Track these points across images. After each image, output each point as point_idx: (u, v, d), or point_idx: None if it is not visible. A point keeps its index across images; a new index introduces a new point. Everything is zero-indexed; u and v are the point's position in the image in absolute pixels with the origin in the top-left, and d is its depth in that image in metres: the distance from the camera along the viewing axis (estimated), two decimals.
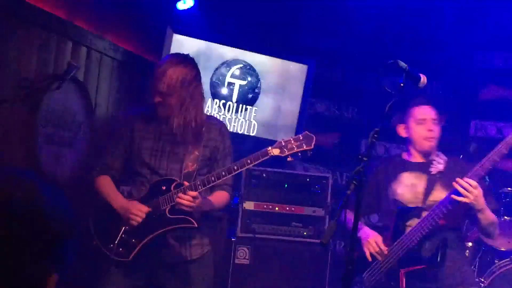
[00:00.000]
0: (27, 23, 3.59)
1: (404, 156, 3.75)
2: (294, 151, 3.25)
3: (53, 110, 3.80)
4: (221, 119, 4.17)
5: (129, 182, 3.48)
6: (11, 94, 3.46)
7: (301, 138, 3.26)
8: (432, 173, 3.63)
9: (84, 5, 4.16)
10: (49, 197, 1.27)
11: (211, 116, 3.71)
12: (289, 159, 3.28)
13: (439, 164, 3.64)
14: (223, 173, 3.26)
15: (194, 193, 3.22)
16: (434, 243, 3.45)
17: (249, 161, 3.25)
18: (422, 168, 3.66)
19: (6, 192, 1.22)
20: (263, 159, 3.25)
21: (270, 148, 3.25)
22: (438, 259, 3.41)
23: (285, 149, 3.24)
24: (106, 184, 3.42)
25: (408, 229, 3.52)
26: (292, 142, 3.25)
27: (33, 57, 3.66)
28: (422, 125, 3.61)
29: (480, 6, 5.09)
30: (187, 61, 3.43)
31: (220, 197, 3.46)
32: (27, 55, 3.62)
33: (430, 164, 3.66)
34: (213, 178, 3.26)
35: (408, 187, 3.64)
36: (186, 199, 3.21)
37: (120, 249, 3.29)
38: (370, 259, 3.55)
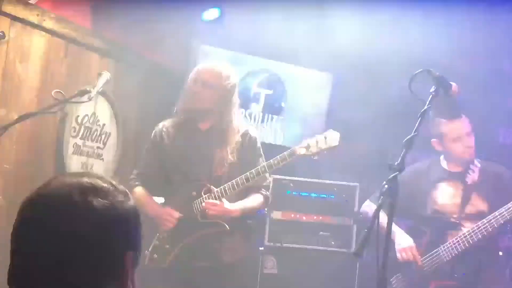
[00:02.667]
0: (56, 34, 3.62)
1: (442, 163, 3.71)
2: (321, 149, 3.23)
3: (82, 120, 3.84)
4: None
5: (164, 191, 3.51)
6: (42, 105, 3.49)
7: (326, 136, 3.24)
8: (468, 183, 3.60)
9: (111, 15, 4.18)
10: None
11: (240, 120, 3.73)
12: (315, 157, 3.26)
13: (473, 173, 3.61)
14: (251, 175, 3.26)
15: (212, 202, 3.23)
16: (469, 261, 3.42)
17: (276, 162, 3.24)
18: (459, 177, 3.64)
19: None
20: (290, 159, 3.24)
21: (296, 147, 3.24)
22: (471, 279, 3.37)
23: (311, 148, 3.23)
24: (141, 194, 3.47)
25: (444, 240, 3.48)
26: (318, 140, 3.23)
27: (63, 68, 3.70)
28: (458, 142, 3.57)
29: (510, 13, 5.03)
30: (231, 69, 3.58)
31: (253, 200, 3.46)
32: (58, 67, 3.65)
33: (466, 173, 3.63)
34: (241, 181, 3.26)
35: (448, 198, 3.61)
36: (212, 204, 3.22)
37: (155, 255, 3.31)
38: (405, 264, 3.52)
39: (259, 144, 3.57)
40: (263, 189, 3.48)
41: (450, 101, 3.24)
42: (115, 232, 1.32)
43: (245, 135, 3.51)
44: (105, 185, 1.35)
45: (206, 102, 3.38)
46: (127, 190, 1.39)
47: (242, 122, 3.73)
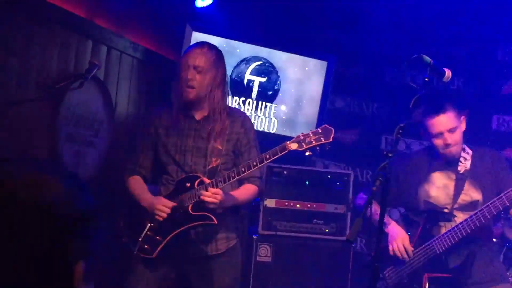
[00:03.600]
0: (48, 22, 3.60)
1: (433, 152, 3.68)
2: (313, 145, 3.21)
3: (74, 109, 3.81)
4: None
5: (157, 181, 3.51)
6: (33, 93, 3.47)
7: (319, 132, 3.22)
8: (461, 172, 3.59)
9: (104, 4, 4.16)
10: (65, 185, 1.28)
11: (234, 108, 3.70)
12: (307, 153, 3.24)
13: (465, 160, 3.59)
14: (243, 169, 3.25)
15: (214, 190, 3.23)
16: (462, 253, 3.42)
17: (268, 156, 3.23)
18: (451, 166, 3.62)
19: (12, 187, 1.24)
20: (281, 153, 3.22)
21: (288, 142, 3.23)
22: (465, 271, 3.37)
23: (303, 143, 3.21)
24: (136, 184, 3.47)
25: (437, 232, 3.48)
26: (311, 136, 3.22)
27: (54, 56, 3.68)
28: (439, 138, 3.52)
29: None
30: (217, 49, 3.53)
31: (247, 190, 3.46)
32: (48, 54, 3.63)
33: (458, 161, 3.61)
34: (233, 175, 3.26)
35: (440, 189, 3.59)
36: (208, 195, 3.21)
37: (145, 245, 3.32)
38: (397, 256, 3.51)
39: (254, 134, 3.56)
40: (256, 179, 3.48)
41: (437, 93, 3.22)
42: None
43: (240, 123, 3.49)
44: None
45: (200, 87, 3.36)
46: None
47: (237, 109, 3.73)
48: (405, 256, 3.50)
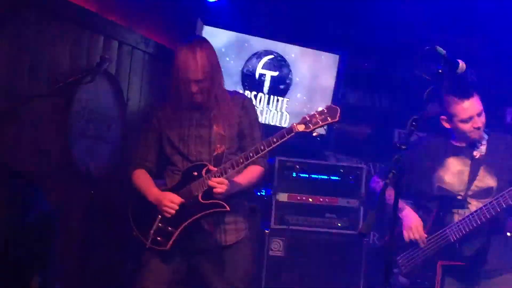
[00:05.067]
0: (59, 17, 3.60)
1: (450, 139, 3.66)
2: (319, 125, 3.15)
3: (86, 104, 3.82)
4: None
5: (164, 173, 3.50)
6: (45, 88, 3.48)
7: (325, 111, 3.16)
8: (476, 157, 3.57)
9: None
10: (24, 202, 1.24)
11: (234, 91, 3.67)
12: (315, 134, 3.18)
13: (481, 145, 3.58)
14: (251, 154, 3.23)
15: (219, 179, 3.23)
16: (477, 242, 3.40)
17: (275, 140, 3.20)
18: (466, 151, 3.60)
19: None
20: (289, 136, 3.18)
21: (295, 124, 3.19)
22: (480, 260, 3.36)
23: (310, 124, 3.16)
24: (142, 177, 3.46)
25: (450, 219, 3.46)
26: (317, 116, 3.17)
27: (66, 51, 3.68)
28: (469, 123, 3.51)
29: None
30: (202, 41, 3.46)
31: (252, 172, 3.44)
32: (60, 49, 3.64)
33: (474, 146, 3.59)
34: (241, 160, 3.24)
35: (455, 174, 3.57)
36: (217, 182, 3.21)
37: (158, 238, 3.31)
38: (411, 243, 3.51)
39: (255, 114, 3.54)
40: (261, 159, 3.44)
41: (462, 79, 3.19)
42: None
43: (240, 105, 3.48)
44: None
45: (206, 92, 3.34)
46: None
47: (236, 92, 3.70)
48: (420, 242, 3.50)
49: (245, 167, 3.38)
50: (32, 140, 3.48)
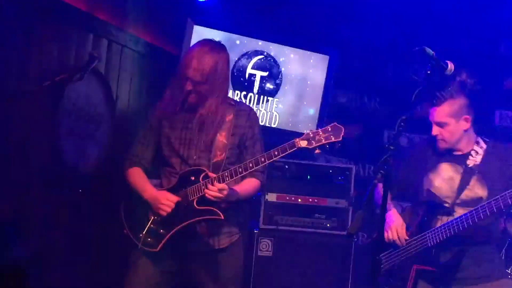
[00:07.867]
0: (48, 16, 3.59)
1: None
2: (322, 143, 3.16)
3: (74, 102, 3.80)
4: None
5: (160, 173, 3.48)
6: (33, 86, 3.46)
7: (329, 130, 3.17)
8: (469, 166, 3.51)
9: None
10: None
11: (240, 102, 3.67)
12: (316, 151, 3.20)
13: (477, 155, 3.51)
14: (250, 164, 3.23)
15: (221, 185, 3.20)
16: (452, 250, 3.39)
17: (276, 153, 3.21)
18: (460, 159, 3.54)
19: None
20: (290, 150, 3.20)
21: (297, 139, 3.19)
22: (452, 269, 3.35)
23: (313, 141, 3.17)
24: (137, 175, 3.44)
25: (434, 225, 3.45)
26: (320, 133, 3.17)
27: (54, 50, 3.67)
28: (432, 126, 3.51)
29: None
30: (218, 47, 3.44)
31: (249, 184, 3.43)
32: (49, 48, 3.62)
33: (468, 154, 3.52)
34: (240, 170, 3.24)
35: (445, 180, 3.54)
36: (214, 190, 3.19)
37: (149, 239, 3.30)
38: (391, 243, 3.51)
39: (259, 128, 3.53)
40: (259, 174, 3.45)
41: (447, 82, 3.19)
42: None
43: (246, 116, 3.47)
44: None
45: (204, 84, 3.32)
46: None
47: (243, 103, 3.69)
48: (398, 243, 3.50)
49: (242, 178, 3.37)
50: (20, 139, 3.46)
